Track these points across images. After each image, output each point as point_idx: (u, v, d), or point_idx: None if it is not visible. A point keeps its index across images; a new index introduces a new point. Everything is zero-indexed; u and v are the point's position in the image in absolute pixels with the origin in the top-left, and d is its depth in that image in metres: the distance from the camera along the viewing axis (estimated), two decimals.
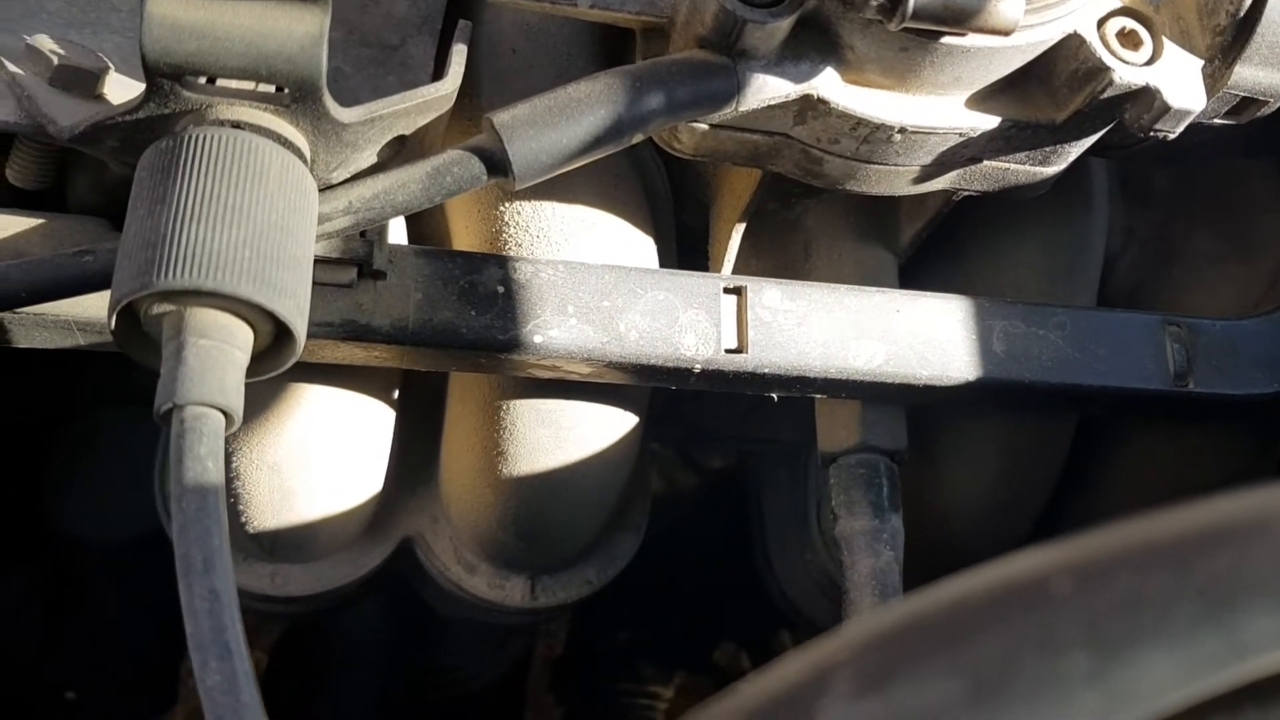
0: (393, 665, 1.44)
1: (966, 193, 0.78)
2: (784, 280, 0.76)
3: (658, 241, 0.85)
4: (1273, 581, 0.24)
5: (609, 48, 0.82)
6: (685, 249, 0.90)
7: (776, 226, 0.89)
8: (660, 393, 0.90)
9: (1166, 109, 0.69)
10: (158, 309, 0.53)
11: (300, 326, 0.55)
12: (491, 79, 0.80)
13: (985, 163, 0.75)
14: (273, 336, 0.55)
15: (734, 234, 0.82)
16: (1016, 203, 0.81)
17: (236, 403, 0.52)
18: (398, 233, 0.82)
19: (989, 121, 0.71)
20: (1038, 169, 0.76)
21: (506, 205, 0.79)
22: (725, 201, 0.84)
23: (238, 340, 0.53)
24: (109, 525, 1.23)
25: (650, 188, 0.87)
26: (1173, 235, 0.96)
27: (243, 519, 0.83)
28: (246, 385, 0.70)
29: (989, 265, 0.88)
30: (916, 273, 0.87)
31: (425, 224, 0.84)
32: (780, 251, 0.89)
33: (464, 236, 0.82)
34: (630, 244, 0.82)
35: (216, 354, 0.52)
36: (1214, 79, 0.71)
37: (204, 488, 0.48)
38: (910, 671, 0.23)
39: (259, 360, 0.56)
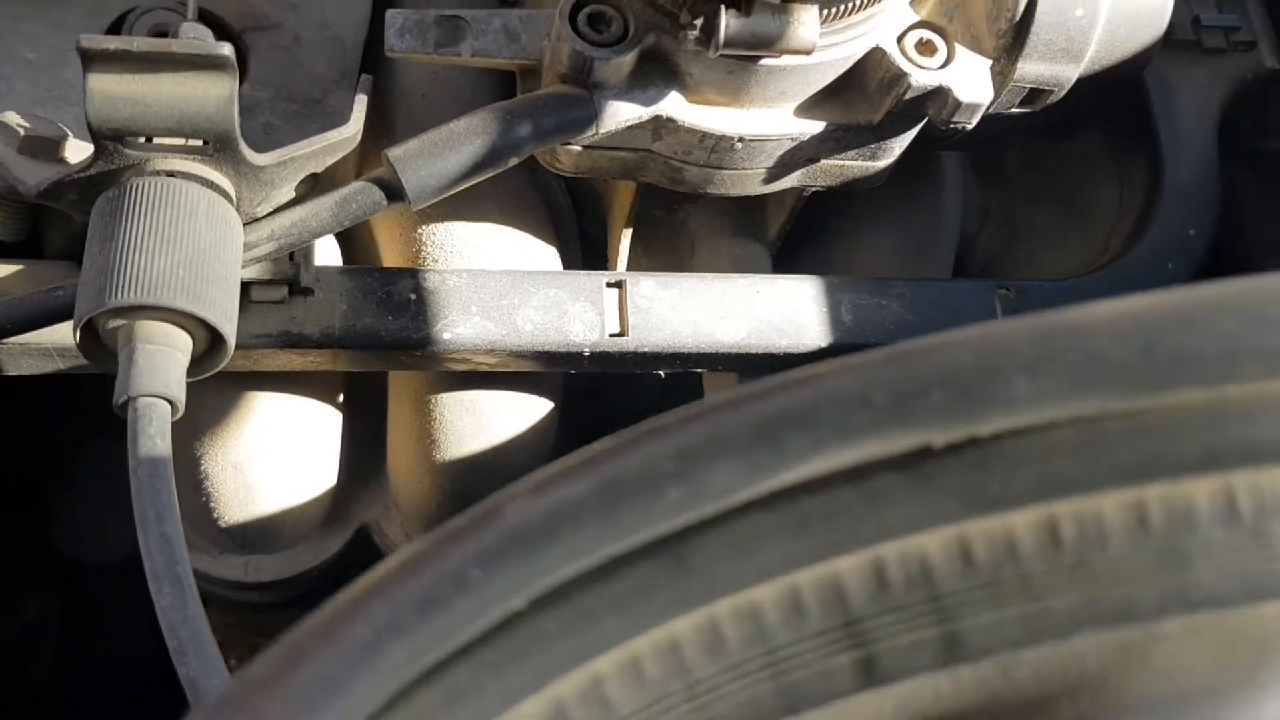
0: None
1: (814, 188, 0.91)
2: (658, 273, 0.89)
3: (561, 251, 0.98)
4: (811, 414, 0.37)
5: (505, 91, 0.94)
6: (594, 258, 1.03)
7: (665, 230, 1.01)
8: (577, 380, 1.02)
9: (959, 104, 0.81)
10: (112, 323, 0.66)
11: (229, 331, 0.67)
12: (404, 121, 0.93)
13: (823, 161, 0.87)
14: (209, 341, 0.68)
15: (623, 238, 0.95)
16: (869, 194, 0.93)
17: (179, 394, 0.65)
18: (333, 256, 0.95)
19: (815, 126, 0.83)
20: (869, 163, 0.88)
21: (424, 227, 0.92)
22: (614, 211, 0.97)
23: (178, 344, 0.66)
24: (115, 548, 1.33)
25: (552, 204, 0.99)
26: (1020, 213, 1.08)
27: (214, 515, 0.96)
28: (205, 393, 0.82)
29: (846, 251, 1.00)
30: (787, 261, 0.99)
31: (357, 248, 0.97)
32: (670, 252, 1.01)
33: (390, 256, 0.94)
34: (533, 254, 0.95)
35: (161, 356, 0.65)
36: (1003, 75, 0.83)
37: (155, 459, 0.61)
38: (566, 480, 0.36)
39: (199, 361, 0.69)
